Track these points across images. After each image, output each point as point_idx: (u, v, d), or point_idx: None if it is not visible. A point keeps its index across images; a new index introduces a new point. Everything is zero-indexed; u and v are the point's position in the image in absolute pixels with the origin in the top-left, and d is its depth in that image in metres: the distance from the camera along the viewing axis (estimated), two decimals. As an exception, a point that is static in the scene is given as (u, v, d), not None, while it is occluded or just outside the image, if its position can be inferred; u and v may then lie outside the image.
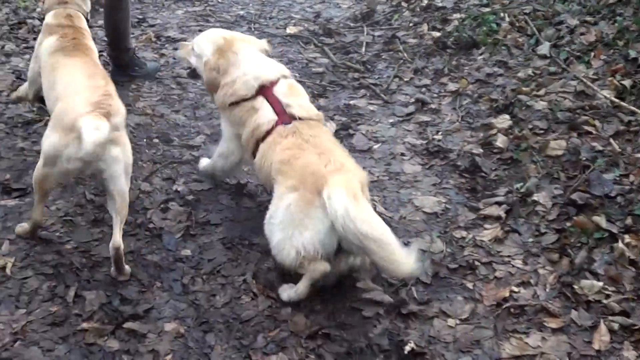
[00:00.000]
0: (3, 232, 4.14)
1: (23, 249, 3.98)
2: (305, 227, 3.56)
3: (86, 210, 4.35)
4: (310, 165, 3.71)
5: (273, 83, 4.19)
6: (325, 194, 3.48)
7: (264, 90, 4.16)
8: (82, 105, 3.67)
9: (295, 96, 4.20)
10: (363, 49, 7.01)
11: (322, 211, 3.50)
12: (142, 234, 4.16)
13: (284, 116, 4.04)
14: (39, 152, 4.84)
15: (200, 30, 6.44)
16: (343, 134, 5.31)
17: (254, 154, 4.15)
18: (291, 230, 3.61)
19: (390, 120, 5.58)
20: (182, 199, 4.51)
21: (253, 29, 7.50)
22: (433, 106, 5.77)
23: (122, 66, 6.07)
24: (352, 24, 7.75)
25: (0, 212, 4.32)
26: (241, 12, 8.07)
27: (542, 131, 5.03)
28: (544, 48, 6.09)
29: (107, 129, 3.51)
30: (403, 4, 8.21)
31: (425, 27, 7.35)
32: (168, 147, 5.14)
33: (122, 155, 3.74)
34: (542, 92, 5.48)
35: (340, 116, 5.64)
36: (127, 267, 3.85)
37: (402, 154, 5.11)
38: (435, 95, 5.98)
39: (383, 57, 6.87)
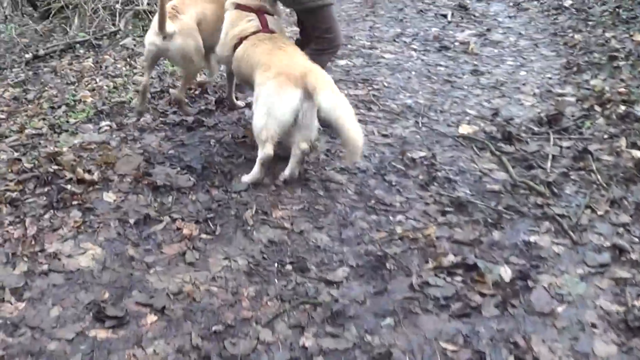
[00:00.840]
0: (83, 376, 3.40)
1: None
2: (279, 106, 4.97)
3: None
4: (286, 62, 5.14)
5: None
6: (312, 88, 4.87)
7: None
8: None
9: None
10: (548, 164, 5.81)
11: (294, 95, 4.90)
12: (253, 412, 3.26)
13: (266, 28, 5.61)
14: (149, 265, 4.16)
15: (360, 121, 5.59)
16: (520, 285, 4.20)
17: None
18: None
19: (579, 271, 4.37)
20: (309, 360, 3.56)
21: (420, 124, 6.56)
22: (634, 256, 4.50)
23: None
24: (535, 128, 6.59)
25: (86, 346, 3.58)
26: (408, 101, 7.10)
27: None
28: None
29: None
30: (596, 107, 6.98)
31: (623, 142, 6.07)
32: (302, 278, 4.23)
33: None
34: None
35: (518, 258, 4.48)
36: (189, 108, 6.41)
37: (593, 325, 3.90)
38: (636, 240, 4.70)
39: (572, 177, 5.62)
